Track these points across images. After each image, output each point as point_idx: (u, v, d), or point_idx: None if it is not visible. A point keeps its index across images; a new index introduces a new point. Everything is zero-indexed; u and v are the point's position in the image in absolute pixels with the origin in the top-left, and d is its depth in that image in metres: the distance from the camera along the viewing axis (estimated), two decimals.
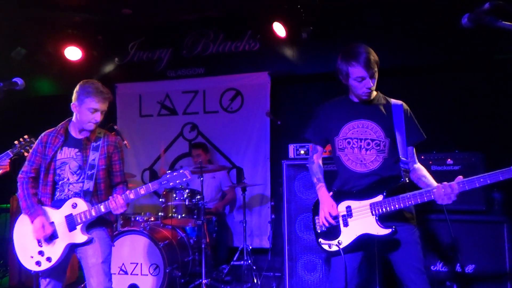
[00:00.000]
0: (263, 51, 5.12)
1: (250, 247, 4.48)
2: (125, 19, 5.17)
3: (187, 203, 4.10)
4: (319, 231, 2.36)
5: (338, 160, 2.39)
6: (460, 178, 2.05)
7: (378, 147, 2.30)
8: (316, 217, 2.40)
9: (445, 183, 2.07)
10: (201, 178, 4.09)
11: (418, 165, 2.34)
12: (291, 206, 3.67)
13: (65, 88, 5.74)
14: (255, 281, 4.18)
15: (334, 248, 2.27)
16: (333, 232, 2.30)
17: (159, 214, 4.19)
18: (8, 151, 3.02)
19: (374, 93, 2.38)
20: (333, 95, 5.19)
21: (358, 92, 2.29)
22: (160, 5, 4.86)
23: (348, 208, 2.28)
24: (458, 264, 3.21)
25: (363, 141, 2.31)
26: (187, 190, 4.15)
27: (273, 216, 4.56)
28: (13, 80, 2.42)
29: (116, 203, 2.43)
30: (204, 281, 3.79)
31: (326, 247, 2.31)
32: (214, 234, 4.49)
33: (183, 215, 4.10)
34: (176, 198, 4.12)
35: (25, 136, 3.14)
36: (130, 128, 5.53)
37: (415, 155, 2.36)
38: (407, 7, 4.44)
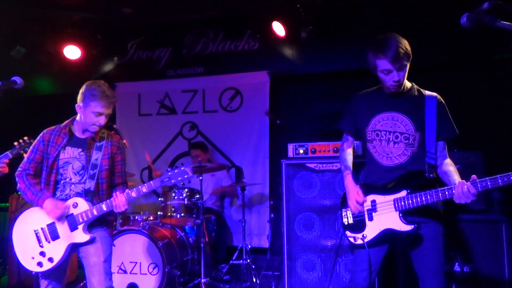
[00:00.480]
0: (262, 50, 5.11)
1: (249, 246, 4.49)
2: (125, 18, 5.16)
3: (186, 202, 4.10)
4: (346, 224, 2.39)
5: (367, 152, 2.40)
6: (474, 177, 2.02)
7: (407, 141, 2.28)
8: (344, 209, 2.43)
9: (464, 181, 2.04)
10: (200, 178, 4.09)
11: (447, 161, 2.29)
12: (290, 206, 3.67)
13: (65, 87, 5.75)
14: (254, 280, 4.19)
15: (359, 242, 2.30)
16: (358, 225, 2.33)
17: (158, 213, 4.20)
18: (8, 152, 3.03)
19: (408, 84, 2.37)
20: (333, 94, 5.19)
21: (386, 85, 2.28)
22: (160, 4, 4.86)
23: (373, 202, 2.30)
24: (457, 264, 3.22)
25: (391, 134, 2.30)
26: (186, 189, 4.15)
27: (272, 216, 4.56)
28: (12, 79, 2.42)
29: (118, 201, 2.43)
30: (203, 280, 3.79)
31: (351, 239, 2.34)
32: (213, 233, 4.49)
33: (182, 214, 4.10)
34: (175, 197, 4.13)
35: (25, 138, 3.15)
36: (129, 127, 5.53)
37: (445, 150, 2.32)
38: (406, 7, 4.44)
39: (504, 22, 1.60)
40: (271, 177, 5.02)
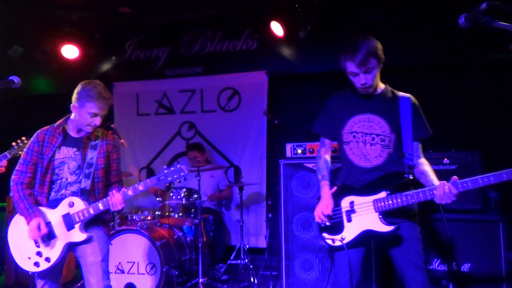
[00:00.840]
0: (260, 50, 5.11)
1: (247, 246, 4.49)
2: (123, 17, 5.15)
3: (184, 202, 4.10)
4: (322, 226, 2.36)
5: (343, 154, 2.40)
6: (455, 178, 2.05)
7: (383, 142, 2.29)
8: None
9: (445, 182, 2.06)
10: (198, 177, 4.09)
11: (422, 160, 2.30)
12: (288, 205, 3.67)
13: (62, 87, 5.73)
14: (252, 280, 4.19)
15: (338, 243, 2.27)
16: (336, 227, 2.30)
17: (156, 213, 4.19)
18: (6, 152, 3.03)
19: (381, 86, 2.37)
20: (331, 94, 5.20)
21: (356, 87, 2.29)
22: (158, 3, 4.85)
23: (352, 203, 2.29)
24: (454, 263, 3.23)
25: (368, 135, 2.30)
26: (184, 189, 4.15)
27: (270, 215, 4.56)
28: (10, 78, 2.42)
29: (115, 199, 2.42)
30: (201, 280, 3.79)
31: (329, 241, 2.31)
32: (211, 233, 4.49)
33: (180, 214, 4.10)
34: (173, 197, 4.12)
35: (23, 138, 3.15)
36: (127, 126, 5.52)
37: (420, 150, 2.33)
38: (405, 6, 4.45)
39: (502, 22, 1.61)
40: (269, 177, 5.02)
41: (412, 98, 2.36)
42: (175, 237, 4.10)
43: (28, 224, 2.43)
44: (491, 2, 1.56)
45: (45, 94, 5.76)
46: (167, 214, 4.10)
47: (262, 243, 4.92)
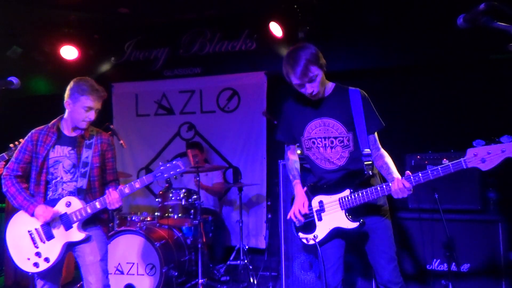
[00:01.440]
0: (259, 50, 5.12)
1: (247, 247, 4.49)
2: (122, 18, 5.15)
3: (183, 203, 4.09)
4: (297, 225, 2.46)
5: (308, 159, 2.49)
6: (408, 173, 2.12)
7: (342, 143, 2.36)
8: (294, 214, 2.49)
9: (399, 178, 2.14)
10: (197, 178, 4.09)
11: (381, 152, 2.34)
12: (288, 206, 3.66)
13: (61, 88, 5.71)
14: (252, 280, 4.19)
15: (311, 242, 2.36)
16: (309, 226, 2.41)
17: (156, 214, 4.19)
18: (4, 153, 3.04)
19: (329, 86, 2.40)
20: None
21: (306, 96, 2.33)
22: (157, 4, 4.85)
23: (321, 203, 2.38)
24: (454, 263, 3.23)
25: (326, 139, 2.37)
26: (183, 190, 4.14)
27: (269, 216, 4.56)
28: (8, 79, 2.42)
29: (112, 198, 2.42)
30: (200, 281, 3.79)
31: (304, 241, 2.40)
32: (211, 233, 4.48)
33: (180, 215, 4.09)
34: (173, 198, 4.12)
35: (20, 140, 3.15)
36: (126, 127, 5.52)
37: (377, 142, 2.37)
38: (403, 7, 4.45)
39: (500, 23, 1.61)
40: (268, 177, 5.02)
41: (362, 91, 2.40)
42: (175, 237, 4.10)
43: (32, 213, 2.43)
44: (490, 2, 1.57)
45: (44, 95, 5.76)
46: (166, 214, 4.10)
47: (262, 244, 4.92)
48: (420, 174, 2.08)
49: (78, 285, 4.04)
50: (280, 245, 3.64)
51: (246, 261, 4.28)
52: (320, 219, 2.37)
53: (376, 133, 2.37)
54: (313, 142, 2.40)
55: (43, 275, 2.52)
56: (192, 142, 5.18)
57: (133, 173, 5.35)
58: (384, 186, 2.18)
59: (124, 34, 5.53)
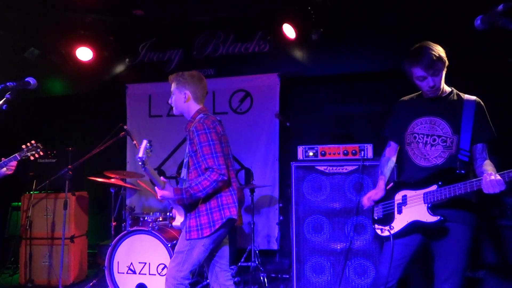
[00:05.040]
0: (273, 52, 5.11)
1: (258, 249, 4.48)
2: (136, 20, 5.20)
3: None
4: (376, 218, 2.54)
5: (406, 155, 2.50)
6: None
7: (445, 144, 2.35)
8: (375, 207, 2.57)
9: (491, 172, 2.09)
10: None
11: (486, 162, 2.30)
12: (300, 208, 3.66)
13: (77, 88, 5.82)
14: (263, 282, 4.17)
15: (386, 233, 2.42)
16: (387, 218, 2.45)
17: (168, 214, 4.21)
18: (16, 154, 3.11)
19: (447, 89, 2.44)
20: (343, 97, 5.14)
21: (423, 90, 2.40)
22: (171, 6, 4.88)
23: (404, 197, 2.40)
24: (469, 269, 3.17)
25: (429, 137, 2.39)
26: None
27: (281, 218, 4.55)
28: (26, 79, 2.46)
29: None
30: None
31: (378, 231, 2.48)
32: None
33: None
34: None
35: (32, 142, 3.23)
36: (139, 128, 5.56)
37: (485, 152, 2.34)
38: (419, 8, 4.40)
39: None
40: (280, 179, 5.01)
41: (478, 100, 2.41)
42: None
43: None
44: (508, 4, 1.54)
45: (60, 95, 5.84)
46: None
47: (273, 246, 4.90)
48: None
49: (91, 284, 4.08)
50: (291, 247, 3.62)
51: (257, 263, 4.27)
52: (400, 212, 2.40)
53: (486, 143, 2.35)
54: (414, 137, 2.43)
55: None
56: None
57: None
58: (473, 181, 2.13)
59: (139, 36, 5.58)
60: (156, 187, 2.47)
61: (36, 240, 4.43)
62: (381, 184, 2.56)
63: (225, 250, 2.63)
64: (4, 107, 2.39)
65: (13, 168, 3.06)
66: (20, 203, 4.69)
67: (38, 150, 3.20)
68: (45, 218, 4.44)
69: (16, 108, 2.60)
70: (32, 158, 3.19)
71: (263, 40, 5.15)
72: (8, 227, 5.19)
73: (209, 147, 2.41)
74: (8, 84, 2.36)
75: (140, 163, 2.33)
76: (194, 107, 2.64)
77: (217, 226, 2.40)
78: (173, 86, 2.63)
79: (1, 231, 5.21)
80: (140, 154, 2.32)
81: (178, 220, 2.59)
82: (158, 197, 2.48)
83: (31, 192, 4.46)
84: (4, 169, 3.00)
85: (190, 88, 2.62)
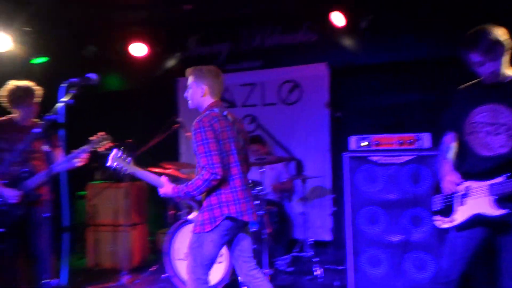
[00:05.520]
0: (321, 42, 5.04)
1: (312, 239, 4.48)
2: (185, 14, 5.31)
3: None
4: (436, 209, 2.45)
5: (466, 145, 2.40)
6: None
7: (509, 132, 2.23)
8: (435, 196, 2.48)
9: None
10: (261, 170, 4.14)
11: None
12: (353, 199, 3.61)
13: (132, 83, 6.05)
14: (317, 273, 4.18)
15: (445, 225, 2.33)
16: (448, 210, 2.37)
17: None
18: (86, 146, 3.17)
19: (510, 74, 2.29)
20: (395, 86, 4.96)
21: (482, 76, 2.28)
22: (218, 0, 4.94)
23: (467, 188, 2.31)
24: None
25: (491, 126, 2.28)
26: (249, 181, 4.20)
27: (334, 209, 4.51)
28: (87, 75, 2.55)
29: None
30: (266, 271, 3.85)
31: (438, 223, 2.40)
32: (275, 225, 4.52)
33: None
34: None
35: (100, 133, 3.28)
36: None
37: None
38: None
39: None
40: (333, 170, 4.97)
41: None
42: None
43: None
44: None
45: (116, 90, 6.10)
46: None
47: (326, 237, 4.89)
48: None
49: (152, 269, 4.26)
50: (345, 238, 3.59)
51: (310, 253, 4.28)
52: (462, 203, 2.31)
53: None
54: (475, 127, 2.32)
55: None
56: (251, 137, 5.22)
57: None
58: None
59: (188, 30, 5.69)
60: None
61: (100, 227, 4.73)
62: (450, 166, 2.43)
63: (245, 244, 2.66)
64: (71, 101, 2.50)
65: (85, 159, 3.19)
66: (85, 192, 4.99)
67: (106, 142, 3.21)
68: (108, 207, 4.71)
69: (80, 103, 2.72)
70: (99, 149, 3.25)
71: (311, 30, 5.09)
72: (74, 215, 5.55)
73: (203, 146, 2.41)
74: (72, 80, 2.48)
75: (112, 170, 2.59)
76: (208, 101, 2.65)
77: (217, 223, 2.42)
78: (191, 79, 2.63)
79: (69, 219, 5.55)
80: (109, 163, 2.57)
81: (193, 214, 2.66)
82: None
83: (95, 182, 4.73)
84: (76, 160, 3.13)
85: (208, 83, 2.63)
